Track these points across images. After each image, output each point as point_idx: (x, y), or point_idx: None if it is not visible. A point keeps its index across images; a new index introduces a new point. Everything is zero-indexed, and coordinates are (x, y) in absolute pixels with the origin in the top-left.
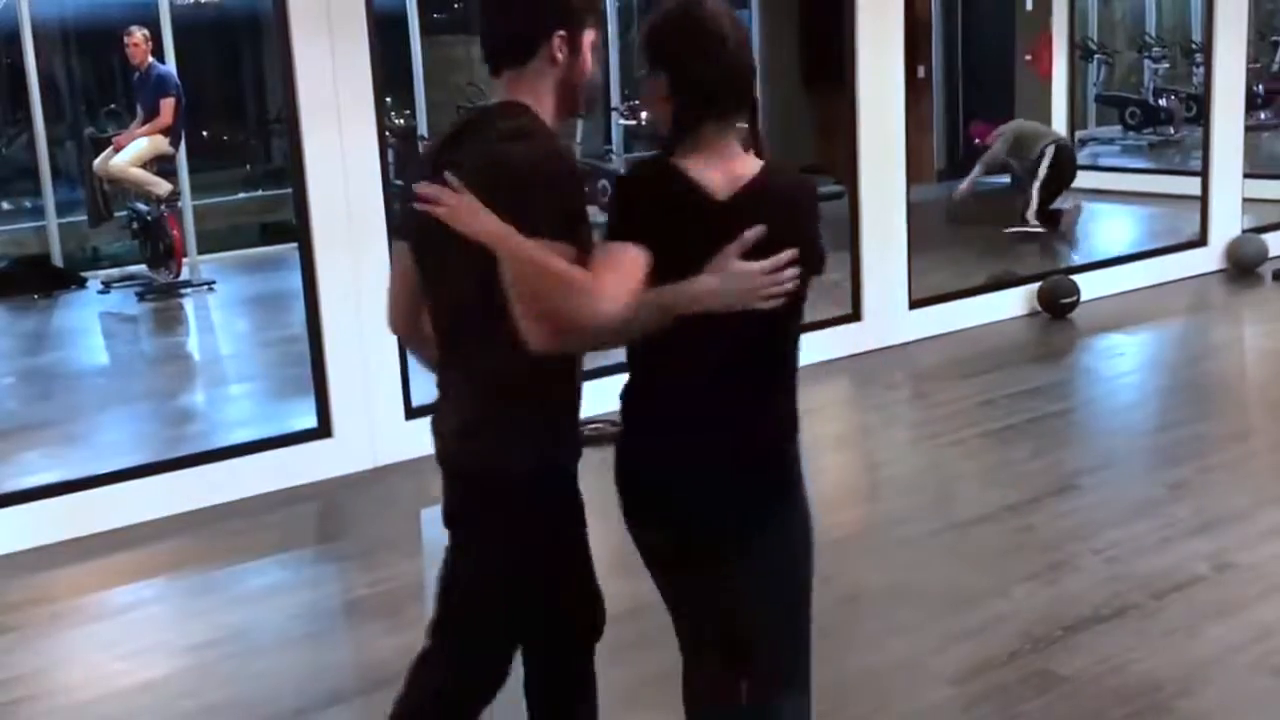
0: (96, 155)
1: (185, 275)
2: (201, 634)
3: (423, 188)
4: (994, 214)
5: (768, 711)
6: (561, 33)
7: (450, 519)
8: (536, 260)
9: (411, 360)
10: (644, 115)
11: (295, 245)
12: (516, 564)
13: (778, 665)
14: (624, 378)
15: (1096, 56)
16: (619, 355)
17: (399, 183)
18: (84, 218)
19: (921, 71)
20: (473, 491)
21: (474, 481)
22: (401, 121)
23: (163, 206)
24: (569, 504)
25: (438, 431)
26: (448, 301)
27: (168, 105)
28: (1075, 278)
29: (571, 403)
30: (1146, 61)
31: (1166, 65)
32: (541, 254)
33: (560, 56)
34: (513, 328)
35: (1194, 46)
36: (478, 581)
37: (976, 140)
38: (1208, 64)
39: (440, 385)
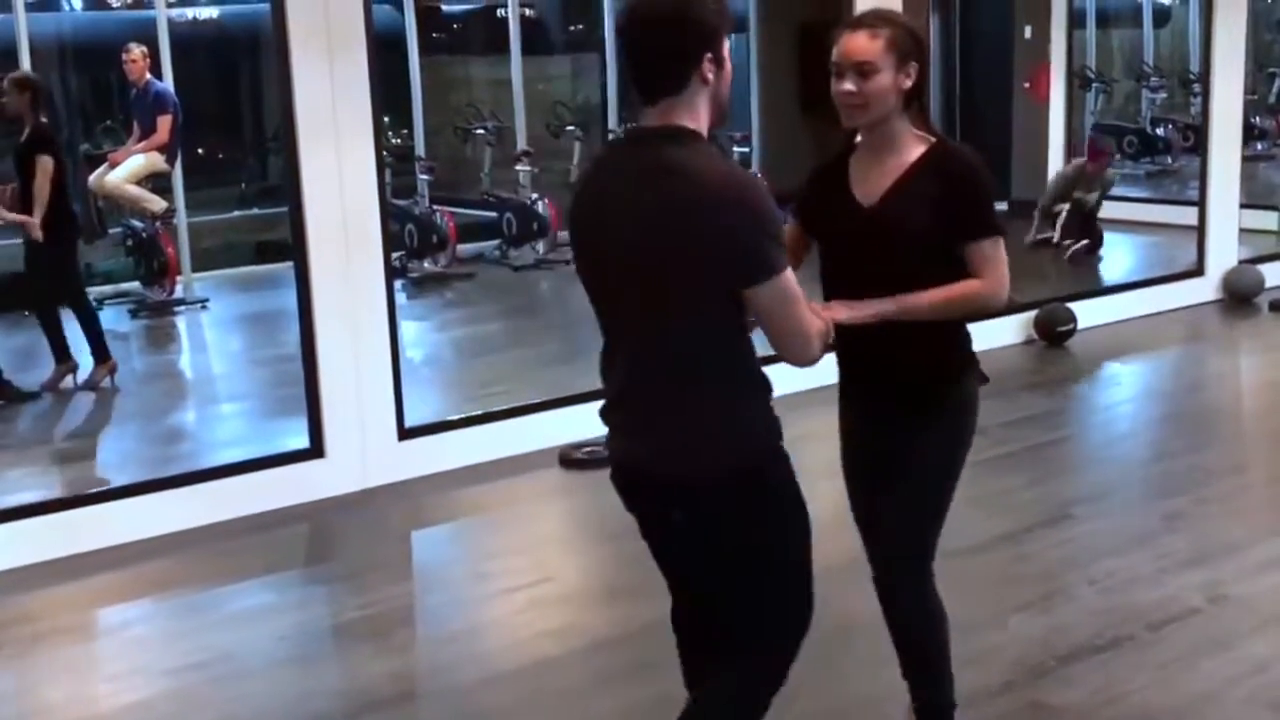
0: (92, 171)
1: (179, 293)
2: (188, 656)
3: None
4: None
5: None
6: (709, 54)
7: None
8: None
9: (405, 381)
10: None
11: (290, 264)
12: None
13: None
14: None
15: (1094, 85)
16: None
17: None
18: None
19: None
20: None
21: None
22: (399, 141)
23: (158, 224)
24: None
25: (639, 451)
26: (637, 317)
27: (165, 122)
28: (1072, 306)
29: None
30: (1144, 91)
31: (1164, 95)
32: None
33: (710, 76)
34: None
35: (1192, 76)
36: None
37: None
38: (1205, 94)
39: (631, 405)
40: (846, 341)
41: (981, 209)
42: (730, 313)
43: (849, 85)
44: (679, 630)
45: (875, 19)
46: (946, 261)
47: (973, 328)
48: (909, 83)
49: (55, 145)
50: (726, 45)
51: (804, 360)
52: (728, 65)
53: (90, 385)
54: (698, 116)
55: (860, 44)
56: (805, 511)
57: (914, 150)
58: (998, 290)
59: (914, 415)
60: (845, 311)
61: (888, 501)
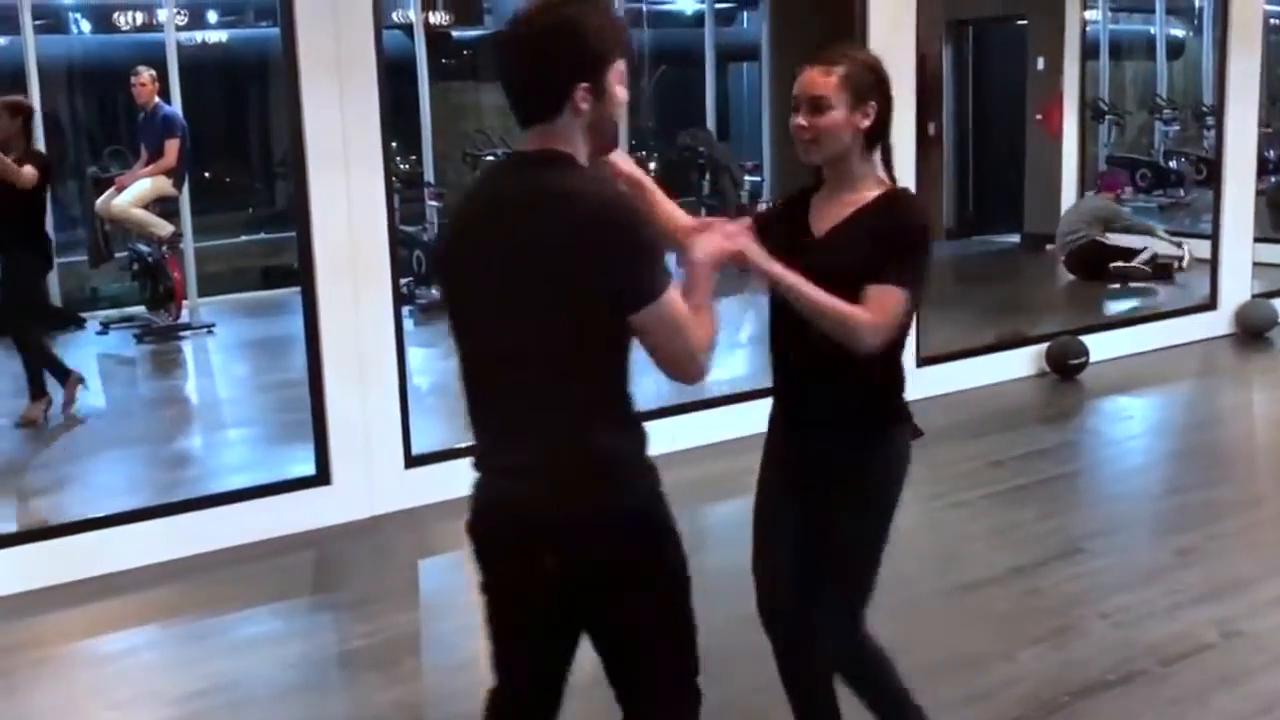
0: (99, 195)
1: (185, 318)
2: (193, 683)
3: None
4: (1002, 272)
5: None
6: (585, 84)
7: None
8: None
9: (412, 409)
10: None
11: (297, 289)
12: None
13: None
14: None
15: (1107, 117)
16: None
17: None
18: (84, 257)
19: (932, 129)
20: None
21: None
22: (408, 167)
23: (164, 248)
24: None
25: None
26: (515, 350)
27: (172, 146)
28: (1084, 339)
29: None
30: (1157, 123)
31: (1177, 127)
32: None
33: (585, 107)
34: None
35: (1205, 109)
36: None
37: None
38: (1219, 127)
39: (516, 445)
40: (784, 382)
41: (905, 255)
42: (617, 343)
43: (800, 119)
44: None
45: (836, 55)
46: None
47: (985, 359)
48: (866, 122)
49: (48, 174)
50: (616, 72)
51: (693, 378)
52: (613, 95)
53: (25, 421)
54: (574, 145)
55: (813, 78)
56: (686, 564)
57: (872, 192)
58: (875, 330)
59: (844, 466)
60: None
61: (818, 561)
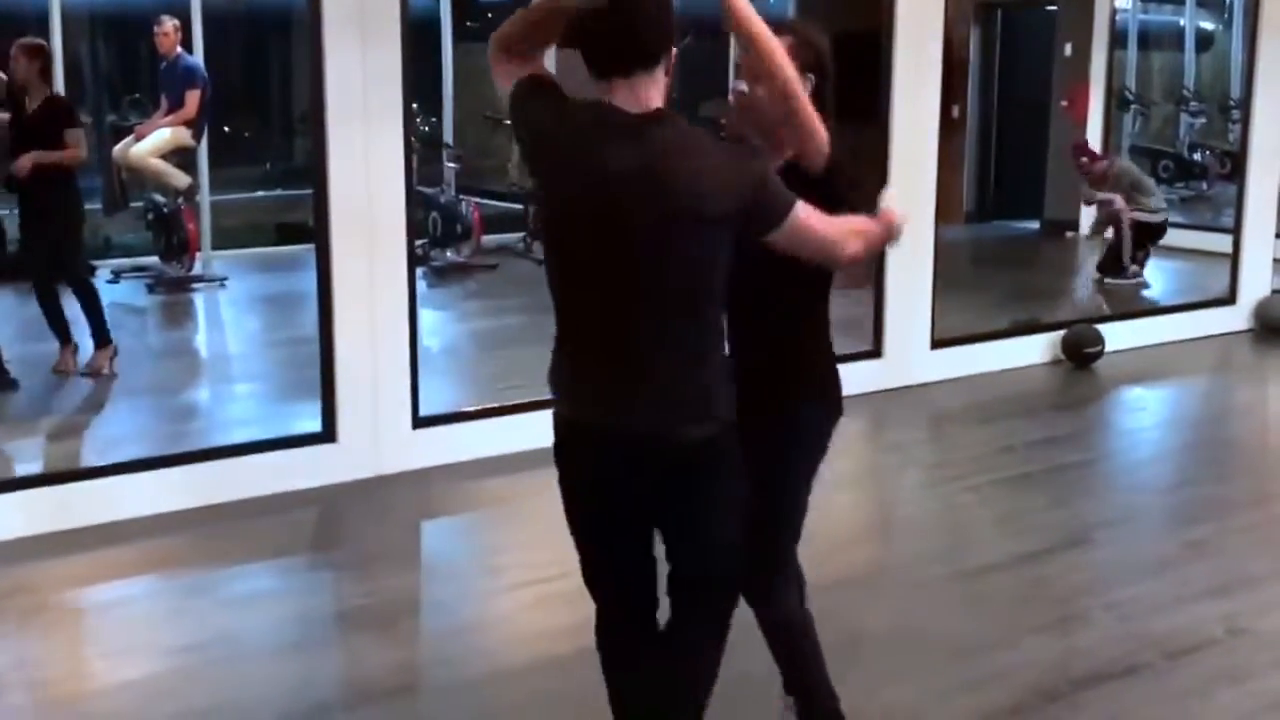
0: (117, 143)
1: (198, 270)
2: (188, 635)
3: None
4: (1021, 258)
5: None
6: (674, 49)
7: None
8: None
9: (422, 370)
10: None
11: (311, 246)
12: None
13: None
14: None
15: (1133, 107)
16: None
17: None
18: (99, 205)
19: (956, 111)
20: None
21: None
22: (427, 129)
23: (180, 199)
24: None
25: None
26: (644, 286)
27: (193, 97)
28: (1100, 328)
29: None
30: (1183, 115)
31: (1203, 120)
32: None
33: (669, 69)
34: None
35: (1231, 103)
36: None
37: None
38: (1245, 121)
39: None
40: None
41: None
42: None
43: (744, 86)
44: (622, 634)
45: (782, 28)
46: None
47: (1002, 344)
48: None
49: (78, 118)
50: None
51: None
52: (670, 69)
53: (92, 371)
54: (656, 103)
55: None
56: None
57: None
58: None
59: None
60: None
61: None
